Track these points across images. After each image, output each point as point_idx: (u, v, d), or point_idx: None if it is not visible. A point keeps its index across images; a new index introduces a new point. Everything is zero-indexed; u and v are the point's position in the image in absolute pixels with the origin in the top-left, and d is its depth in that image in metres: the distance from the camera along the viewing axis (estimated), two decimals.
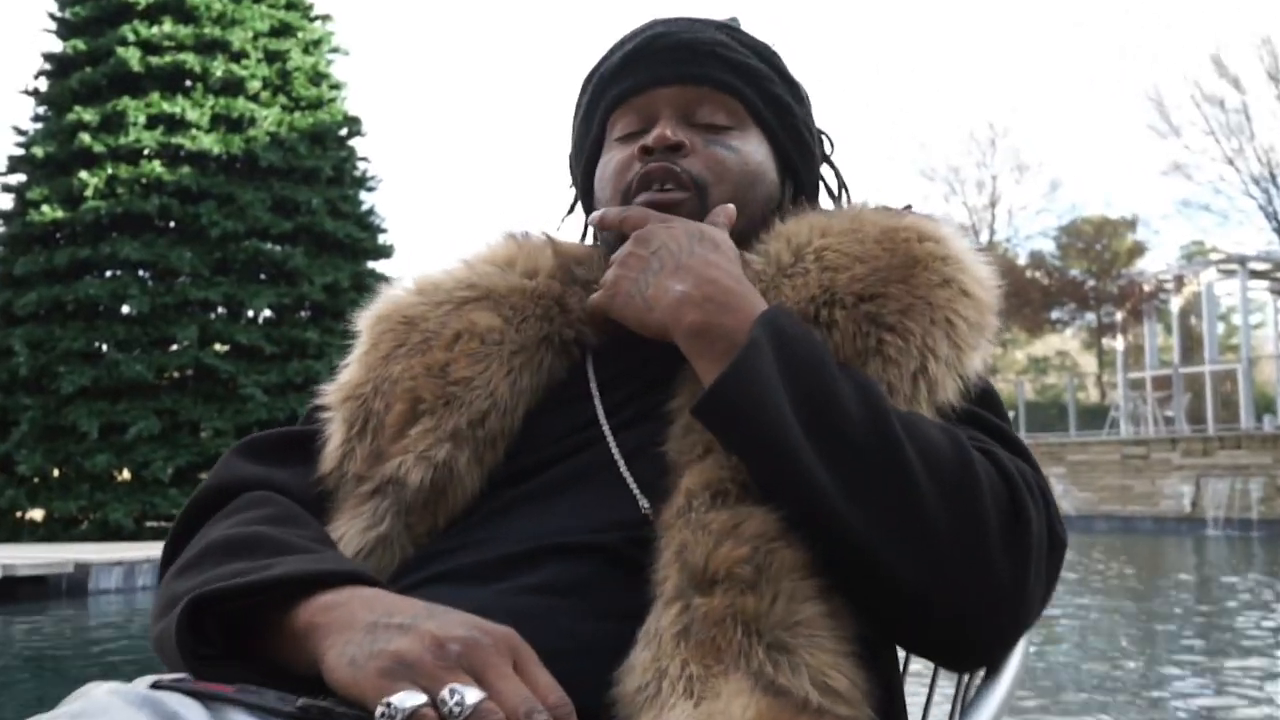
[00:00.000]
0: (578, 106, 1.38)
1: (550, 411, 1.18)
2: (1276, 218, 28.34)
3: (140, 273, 17.52)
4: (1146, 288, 30.98)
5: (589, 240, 1.42)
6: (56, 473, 16.75)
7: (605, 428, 1.14)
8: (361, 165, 19.58)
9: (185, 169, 17.48)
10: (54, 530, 16.30)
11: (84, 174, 17.16)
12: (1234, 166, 29.83)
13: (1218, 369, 27.38)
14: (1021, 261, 39.60)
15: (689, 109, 1.28)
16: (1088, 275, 37.90)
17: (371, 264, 19.37)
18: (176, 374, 17.21)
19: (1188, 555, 17.84)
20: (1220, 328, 34.78)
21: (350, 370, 1.24)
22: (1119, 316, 32.62)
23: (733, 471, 1.02)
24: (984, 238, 38.74)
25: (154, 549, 13.35)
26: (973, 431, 1.10)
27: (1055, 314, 38.45)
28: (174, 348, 17.19)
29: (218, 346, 17.46)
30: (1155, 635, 9.09)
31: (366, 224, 19.24)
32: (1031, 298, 36.53)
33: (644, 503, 1.06)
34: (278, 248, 17.98)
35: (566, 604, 0.98)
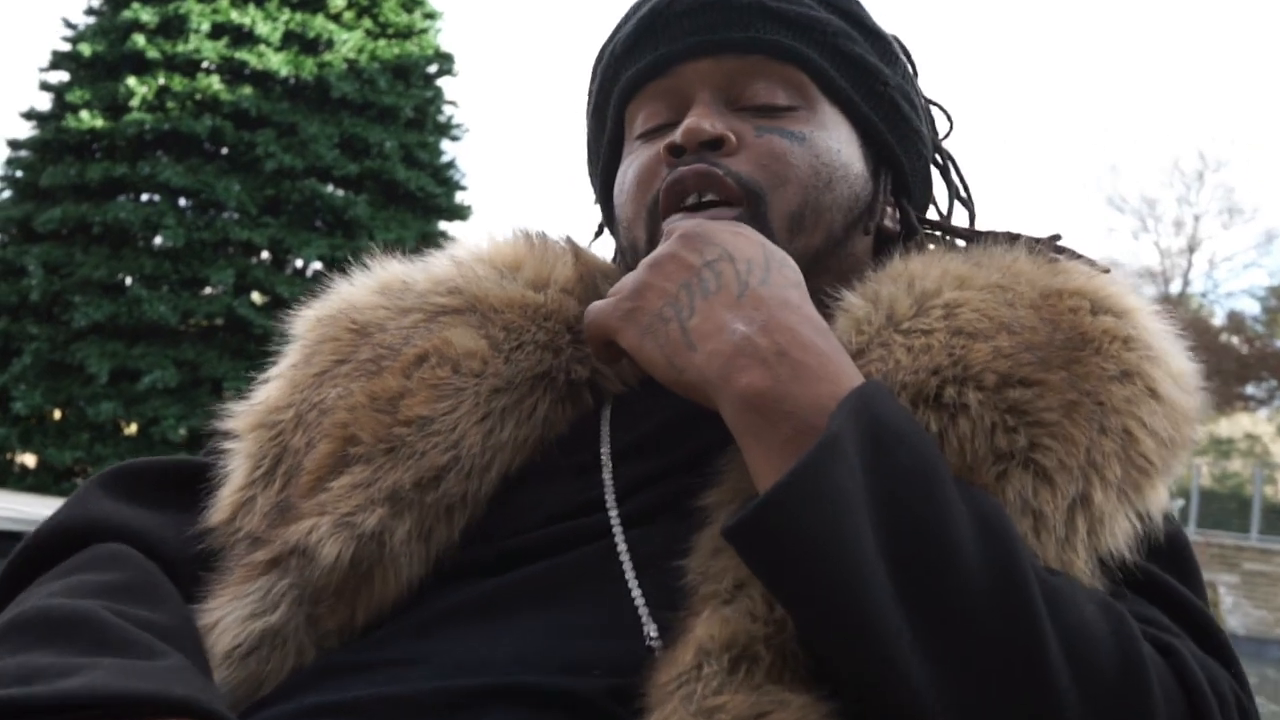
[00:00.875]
0: (588, 98, 1.25)
1: (538, 480, 1.03)
2: None
3: (180, 201, 17.80)
4: None
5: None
6: (56, 415, 17.09)
7: (614, 516, 0.99)
8: (448, 110, 19.81)
9: (246, 89, 17.72)
10: (44, 480, 16.58)
11: (132, 81, 17.46)
12: None
13: None
14: (1217, 321, 39.00)
15: (733, 87, 1.13)
16: None
17: (444, 224, 19.56)
18: (204, 322, 17.49)
19: None
20: None
21: (271, 387, 1.11)
22: None
23: (772, 628, 0.85)
24: (1174, 287, 38.13)
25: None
26: (1147, 609, 0.94)
27: (1250, 389, 37.77)
28: (206, 291, 17.47)
29: (255, 296, 17.71)
30: None
31: (444, 178, 19.42)
32: (1223, 367, 35.96)
33: (652, 632, 0.90)
34: (339, 192, 18.20)
35: None
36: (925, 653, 0.80)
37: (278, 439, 1.06)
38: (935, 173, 1.28)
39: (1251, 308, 40.49)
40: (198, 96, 17.46)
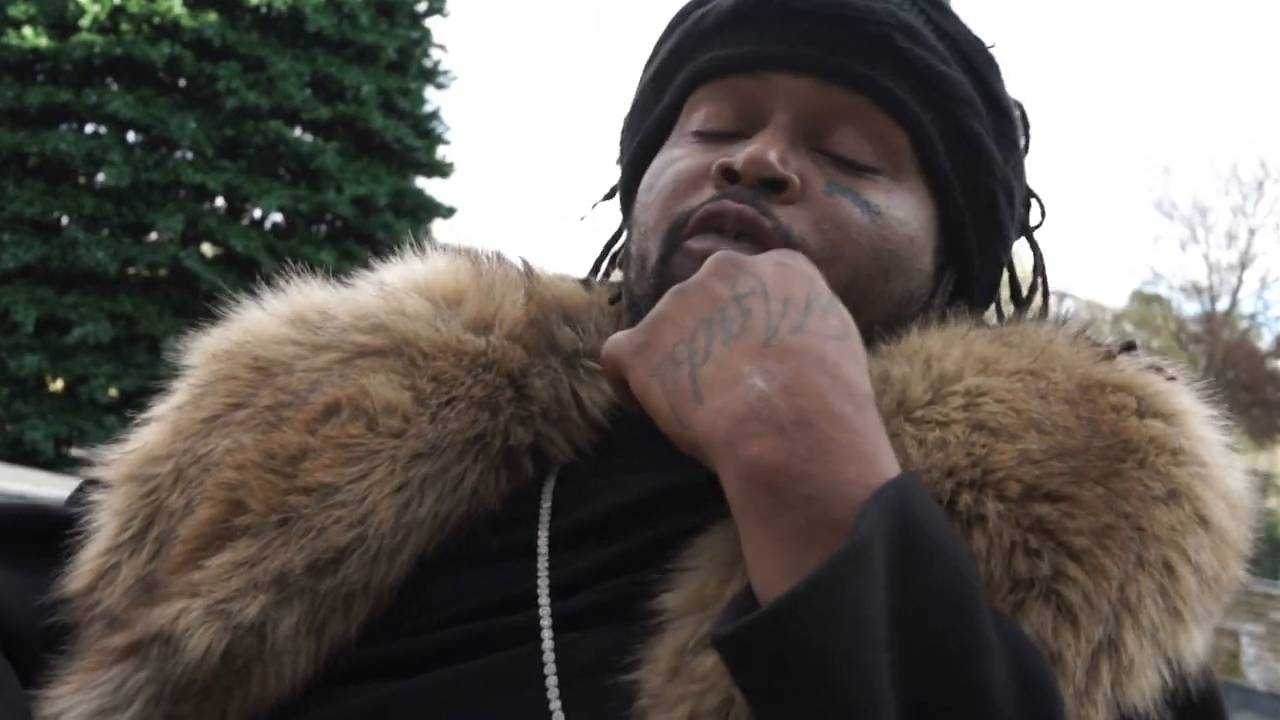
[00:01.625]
0: (653, 55, 1.16)
1: (458, 566, 0.95)
2: None
3: (128, 135, 17.78)
4: None
5: (608, 274, 1.23)
6: None
7: (545, 615, 0.91)
8: (435, 54, 19.80)
9: (211, 16, 17.65)
10: None
11: None
12: None
13: None
14: (1264, 345, 39.17)
15: (821, 122, 1.04)
16: None
17: (421, 181, 19.63)
18: (146, 272, 17.48)
19: None
20: None
21: (151, 430, 1.03)
22: None
23: None
24: (1222, 305, 38.24)
25: (68, 488, 13.39)
26: None
27: None
28: (150, 238, 17.46)
29: (205, 248, 17.69)
30: None
31: (426, 129, 19.45)
32: (1267, 395, 36.13)
33: None
34: (307, 138, 18.22)
35: None
36: None
37: (151, 496, 0.99)
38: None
39: None
40: (156, 20, 17.38)
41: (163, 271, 17.28)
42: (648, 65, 1.17)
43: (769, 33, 1.05)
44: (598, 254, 1.24)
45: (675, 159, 1.07)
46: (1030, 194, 1.18)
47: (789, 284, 0.88)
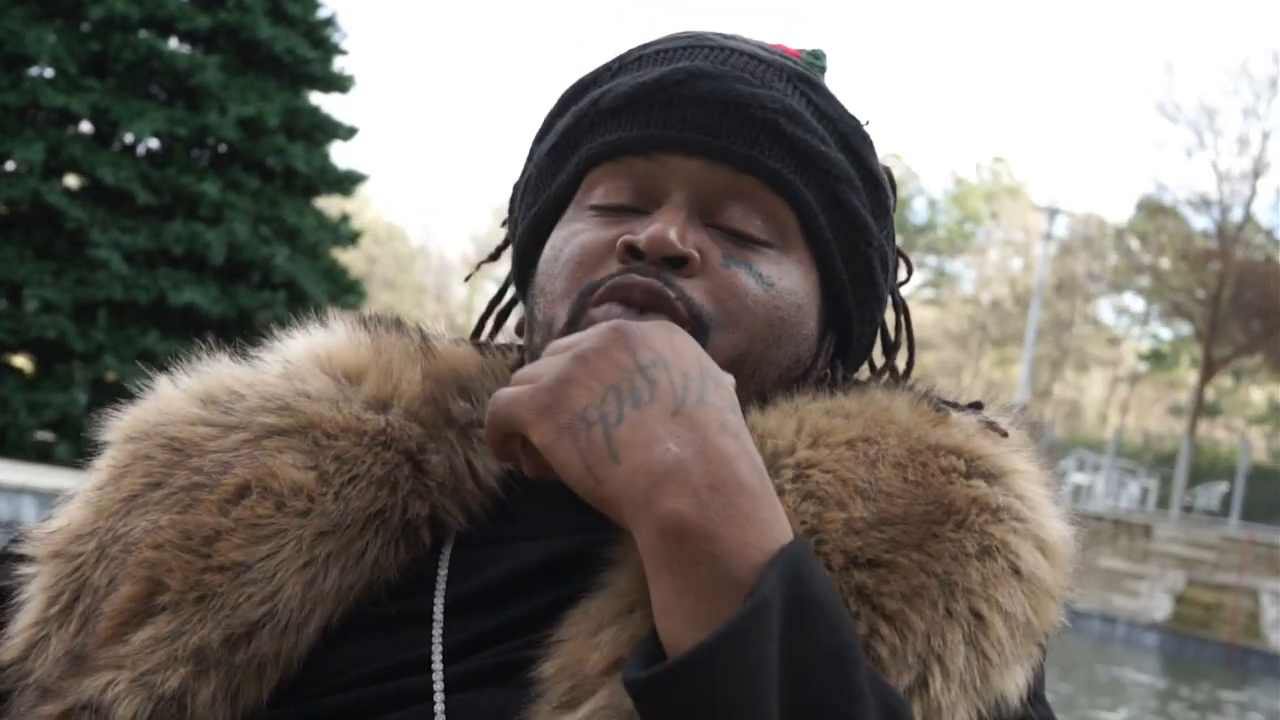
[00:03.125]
0: (547, 125, 1.33)
1: (361, 635, 1.11)
2: None
3: None
4: None
5: (505, 334, 1.40)
6: None
7: (438, 679, 1.06)
8: None
9: None
10: None
11: None
12: None
13: None
14: None
15: (714, 201, 1.21)
16: None
17: (317, 98, 19.58)
18: (3, 209, 17.38)
19: None
20: None
21: (74, 508, 1.18)
22: None
23: None
24: (1235, 216, 38.33)
25: None
26: None
27: None
28: (7, 168, 17.39)
29: (70, 180, 17.64)
30: None
31: (319, 38, 19.31)
32: None
33: None
34: (184, 50, 18.10)
35: None
36: None
37: (77, 573, 1.12)
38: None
39: None
40: None
41: (22, 208, 17.21)
42: (541, 138, 1.32)
43: (663, 118, 1.21)
44: (483, 314, 1.43)
45: (578, 232, 1.22)
46: (899, 255, 1.37)
47: (683, 358, 1.03)
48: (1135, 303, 52.45)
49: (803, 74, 1.26)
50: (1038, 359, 47.81)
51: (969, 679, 1.03)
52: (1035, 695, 1.11)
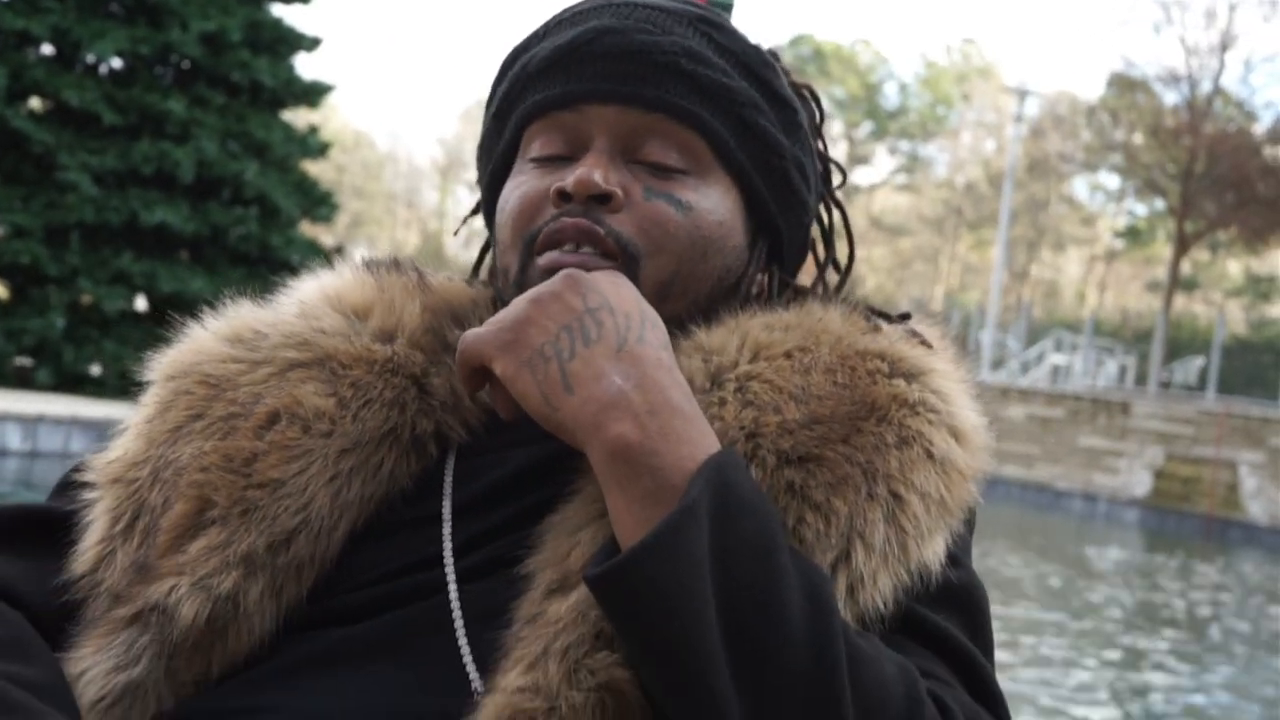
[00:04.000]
0: (491, 93, 1.46)
1: (382, 536, 1.26)
2: None
3: None
4: None
5: (487, 274, 1.52)
6: None
7: (450, 571, 1.22)
8: None
9: None
10: None
11: None
12: None
13: None
14: (1257, 131, 39.21)
15: (632, 140, 1.35)
16: None
17: (279, 9, 19.43)
18: None
19: None
20: None
21: (126, 440, 1.33)
22: None
23: (549, 700, 1.08)
24: (1204, 90, 38.24)
25: None
26: (927, 662, 1.19)
27: None
28: None
29: (34, 103, 17.53)
30: None
31: None
32: (1258, 193, 36.11)
33: (479, 686, 1.14)
34: None
35: None
36: (742, 698, 1.05)
37: (135, 495, 1.27)
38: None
39: None
40: None
41: None
42: (489, 105, 1.47)
43: (579, 73, 1.35)
44: (476, 260, 1.56)
45: (520, 184, 1.37)
46: (827, 162, 1.50)
47: (625, 301, 1.18)
48: (1110, 180, 52.34)
49: (703, 16, 1.39)
50: (1013, 240, 47.83)
51: (889, 551, 1.18)
52: (954, 560, 1.25)
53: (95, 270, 17.16)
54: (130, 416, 1.35)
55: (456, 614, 1.19)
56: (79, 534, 1.28)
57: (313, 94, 19.72)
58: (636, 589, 1.05)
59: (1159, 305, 39.09)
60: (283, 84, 18.96)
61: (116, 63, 17.87)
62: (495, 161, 1.44)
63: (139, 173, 17.32)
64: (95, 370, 17.33)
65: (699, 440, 1.12)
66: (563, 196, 1.31)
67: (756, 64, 1.40)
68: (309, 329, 1.34)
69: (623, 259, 1.30)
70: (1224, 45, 38.51)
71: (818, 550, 1.15)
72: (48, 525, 1.31)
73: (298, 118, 20.45)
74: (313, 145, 19.61)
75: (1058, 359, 34.22)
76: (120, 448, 1.32)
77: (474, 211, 1.57)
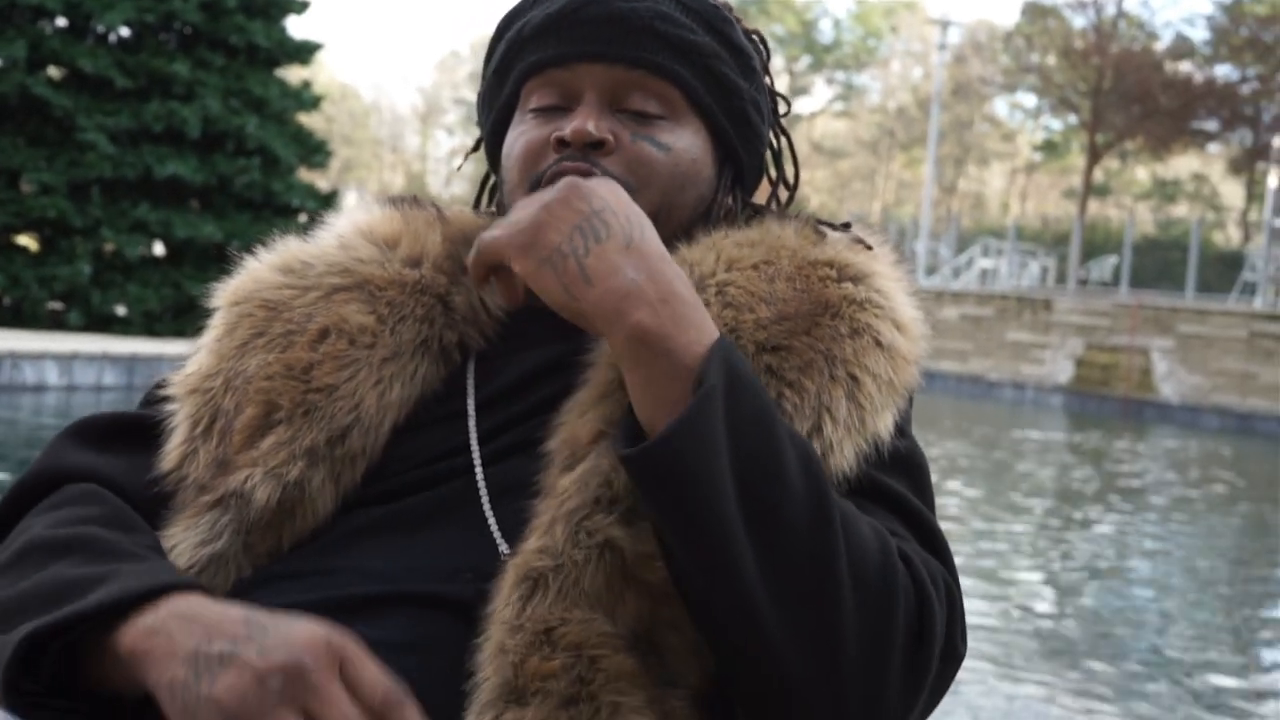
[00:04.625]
0: (490, 52, 1.52)
1: (420, 429, 1.33)
2: None
3: None
4: None
5: (491, 205, 1.59)
6: None
7: (476, 455, 1.30)
8: None
9: None
10: None
11: None
12: None
13: None
14: (1158, 49, 39.04)
15: (617, 92, 1.41)
16: (1246, 79, 37.30)
17: None
18: None
19: None
20: None
21: (200, 357, 1.38)
22: (1278, 141, 32.08)
23: (555, 559, 1.15)
24: (1109, 12, 38.00)
25: None
26: (888, 520, 1.25)
27: (1196, 125, 37.90)
28: None
29: (52, 71, 17.35)
30: (1258, 591, 9.38)
31: None
32: (1160, 105, 36.04)
33: (504, 548, 1.22)
34: None
35: (406, 664, 1.11)
36: (755, 551, 1.10)
37: (211, 402, 1.33)
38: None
39: (1199, 34, 39.96)
40: None
41: (12, 102, 16.99)
42: (488, 61, 1.52)
43: (569, 36, 1.40)
44: (477, 193, 1.62)
45: (523, 132, 1.42)
46: (774, 96, 1.55)
47: (623, 204, 1.20)
48: (1027, 99, 52.13)
49: None
50: (942, 158, 47.69)
51: (851, 423, 1.25)
52: (901, 431, 1.31)
53: (116, 220, 17.10)
54: (200, 339, 1.41)
55: (482, 490, 1.26)
56: (164, 438, 1.34)
57: (303, 52, 19.52)
58: (668, 466, 1.10)
59: (1075, 211, 39.21)
60: (276, 44, 18.77)
61: (125, 31, 17.72)
62: (498, 111, 1.50)
63: (150, 130, 17.23)
64: (120, 311, 17.28)
65: (703, 326, 1.16)
66: (562, 144, 1.37)
67: (716, 20, 1.45)
68: (348, 258, 1.40)
69: None
70: None
71: (796, 421, 1.22)
72: (140, 430, 1.38)
73: (291, 74, 20.18)
74: (306, 99, 19.44)
75: (985, 263, 34.07)
76: (194, 364, 1.38)
77: (473, 149, 1.64)
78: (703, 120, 1.45)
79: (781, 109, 1.58)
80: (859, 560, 1.13)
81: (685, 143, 1.42)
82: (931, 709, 1.22)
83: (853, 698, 1.14)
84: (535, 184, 1.37)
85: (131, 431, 1.39)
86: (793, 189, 1.60)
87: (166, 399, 1.37)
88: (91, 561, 1.16)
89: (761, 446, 1.12)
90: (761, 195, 1.59)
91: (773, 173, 1.59)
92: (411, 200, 1.50)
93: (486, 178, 1.62)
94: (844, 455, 1.24)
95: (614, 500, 1.17)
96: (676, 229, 1.39)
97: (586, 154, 1.36)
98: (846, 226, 1.45)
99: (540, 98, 1.43)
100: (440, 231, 1.44)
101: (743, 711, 1.19)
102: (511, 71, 1.47)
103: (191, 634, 1.03)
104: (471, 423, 1.32)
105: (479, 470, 1.28)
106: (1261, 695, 6.39)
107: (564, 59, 1.41)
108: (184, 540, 1.26)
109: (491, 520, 1.24)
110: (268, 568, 1.26)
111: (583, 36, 1.40)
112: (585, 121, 1.37)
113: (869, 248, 1.39)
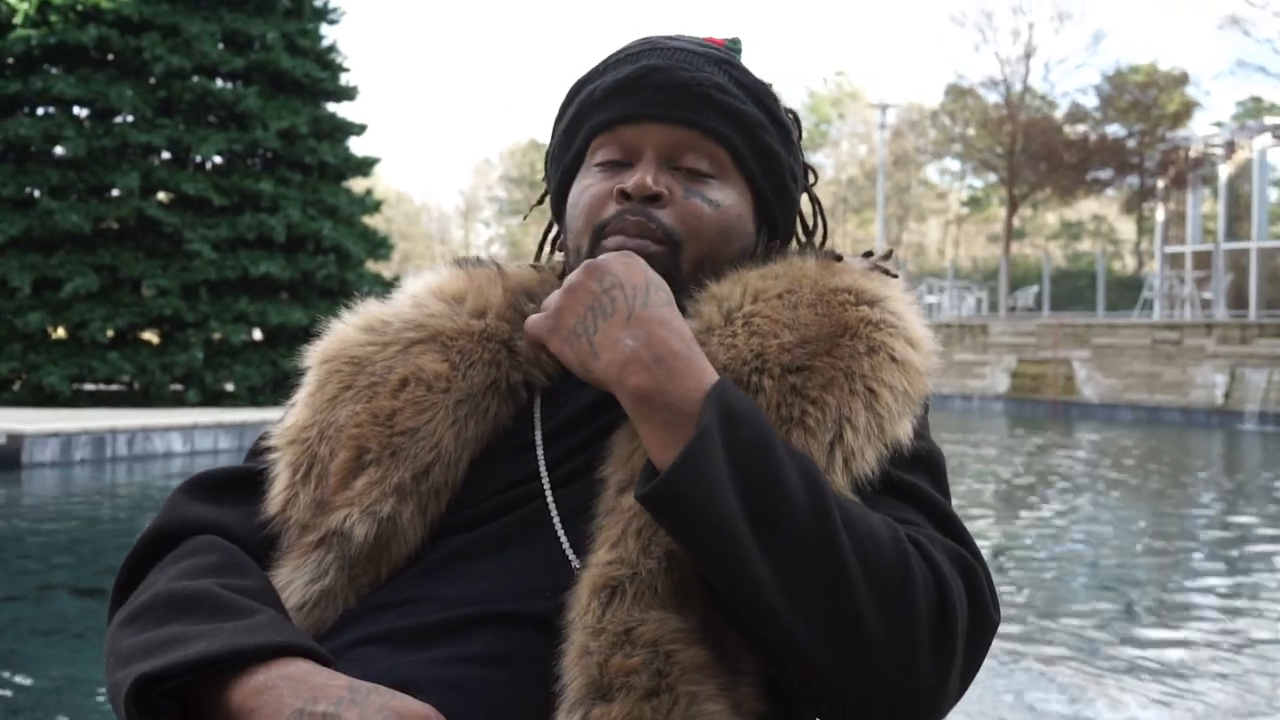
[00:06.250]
0: (561, 113, 1.43)
1: (494, 462, 1.26)
2: None
3: (76, 111, 17.40)
4: (1194, 152, 30.86)
5: (551, 256, 1.51)
6: None
7: (545, 482, 1.23)
8: None
9: None
10: None
11: None
12: None
13: (1267, 245, 27.51)
14: (1058, 115, 39.24)
15: (674, 151, 1.33)
16: (1130, 134, 37.44)
17: (332, 107, 19.34)
18: (116, 225, 17.20)
19: (1217, 451, 18.22)
20: (1274, 195, 34.53)
21: (296, 411, 1.32)
22: (1161, 184, 32.35)
23: (631, 568, 1.10)
24: (1016, 89, 38.25)
25: (91, 418, 13.61)
26: (903, 512, 1.18)
27: (1092, 175, 38.04)
28: (113, 194, 17.19)
29: (161, 196, 17.46)
30: (1174, 550, 9.36)
31: (327, 62, 19.07)
32: (1063, 160, 36.18)
33: (576, 563, 1.16)
34: (228, 86, 17.87)
35: (499, 676, 1.08)
36: (770, 563, 1.05)
37: (308, 450, 1.27)
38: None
39: (1090, 101, 40.47)
40: (79, 7, 16.93)
41: (130, 222, 17.02)
42: (559, 120, 1.43)
43: (635, 100, 1.33)
44: (539, 244, 1.53)
45: (589, 185, 1.35)
46: (807, 167, 1.47)
47: (633, 275, 1.17)
48: (953, 164, 52.26)
49: (725, 58, 1.38)
50: (888, 217, 47.77)
51: (870, 430, 1.18)
52: (918, 435, 1.24)
53: (221, 314, 17.08)
54: (294, 395, 1.35)
55: (553, 512, 1.20)
56: (269, 485, 1.29)
57: (365, 166, 19.61)
58: (675, 499, 1.06)
59: (1000, 251, 39.22)
60: (342, 161, 18.86)
61: (218, 159, 17.78)
62: (566, 163, 1.41)
63: (245, 238, 17.23)
64: (229, 387, 17.22)
65: (701, 374, 1.12)
66: (623, 195, 1.31)
67: (764, 95, 1.39)
68: (421, 314, 1.34)
69: (669, 244, 1.29)
70: (1027, 54, 38.80)
71: (820, 433, 1.16)
72: (248, 481, 1.32)
73: (355, 185, 20.33)
74: (369, 204, 19.49)
75: (930, 299, 34.24)
76: (292, 417, 1.32)
77: (539, 202, 1.55)
78: (747, 183, 1.37)
79: (811, 178, 1.50)
80: (871, 552, 1.07)
81: (731, 200, 1.34)
82: (974, 673, 1.14)
83: (886, 675, 1.07)
84: (599, 231, 1.32)
85: (240, 483, 1.33)
86: (815, 233, 1.51)
87: (269, 450, 1.31)
88: (208, 618, 1.10)
89: (761, 469, 1.07)
90: None
91: (803, 237, 1.50)
92: (474, 261, 1.43)
93: (549, 228, 1.52)
94: (865, 460, 1.17)
95: None
96: (718, 276, 1.31)
97: (645, 205, 1.30)
98: (869, 255, 1.37)
99: (606, 153, 1.36)
100: (501, 285, 1.38)
101: (797, 698, 1.14)
102: (581, 129, 1.39)
103: (299, 694, 0.99)
104: (540, 451, 1.26)
105: (549, 495, 1.22)
106: (1173, 644, 6.31)
107: (630, 118, 1.34)
108: (295, 579, 1.20)
109: (563, 538, 1.18)
110: (369, 599, 1.20)
111: (648, 100, 1.33)
112: (645, 176, 1.30)
113: (887, 273, 1.32)
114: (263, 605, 1.13)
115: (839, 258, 1.34)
